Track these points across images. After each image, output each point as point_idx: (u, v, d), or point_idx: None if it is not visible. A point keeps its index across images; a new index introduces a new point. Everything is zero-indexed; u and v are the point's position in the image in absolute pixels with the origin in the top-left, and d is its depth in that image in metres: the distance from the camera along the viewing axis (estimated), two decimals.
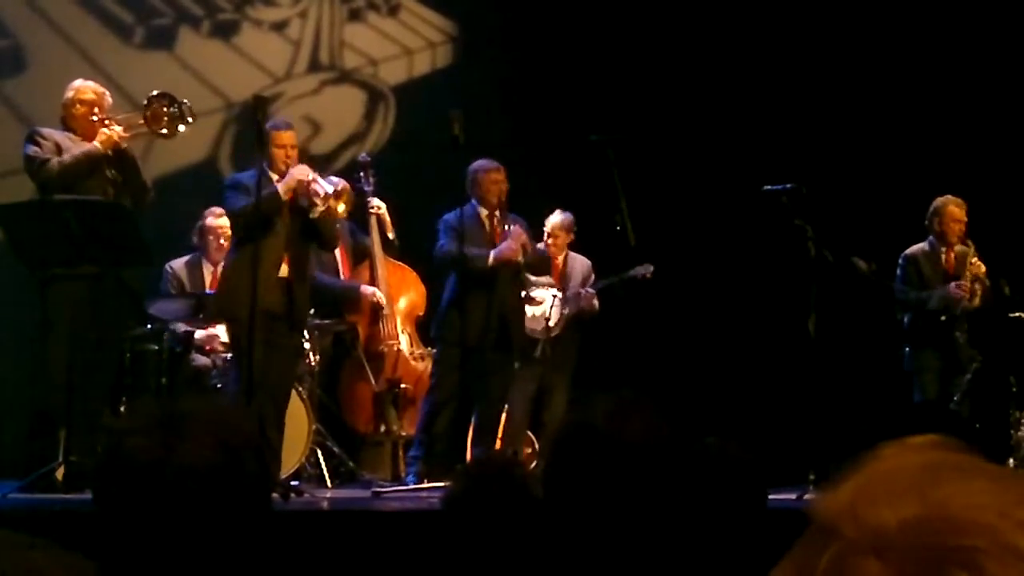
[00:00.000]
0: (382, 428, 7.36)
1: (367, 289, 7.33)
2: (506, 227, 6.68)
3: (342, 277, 7.47)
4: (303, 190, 5.88)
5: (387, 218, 7.39)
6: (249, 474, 1.41)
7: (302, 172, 5.92)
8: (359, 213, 7.44)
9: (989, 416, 6.83)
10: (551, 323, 7.17)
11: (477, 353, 6.51)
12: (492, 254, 6.57)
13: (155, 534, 1.36)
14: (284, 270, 5.95)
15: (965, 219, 7.07)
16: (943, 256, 7.11)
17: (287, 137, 6.05)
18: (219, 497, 1.37)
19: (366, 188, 7.42)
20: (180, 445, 1.38)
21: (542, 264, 6.99)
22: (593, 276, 7.47)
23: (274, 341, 5.88)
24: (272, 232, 5.84)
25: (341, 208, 6.05)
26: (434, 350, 6.93)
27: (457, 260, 6.46)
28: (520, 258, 6.68)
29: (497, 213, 6.72)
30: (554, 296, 7.24)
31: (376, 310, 7.41)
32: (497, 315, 6.56)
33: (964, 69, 8.56)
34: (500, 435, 7.33)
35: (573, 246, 7.52)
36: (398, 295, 7.45)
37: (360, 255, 7.52)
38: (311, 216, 5.93)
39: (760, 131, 8.54)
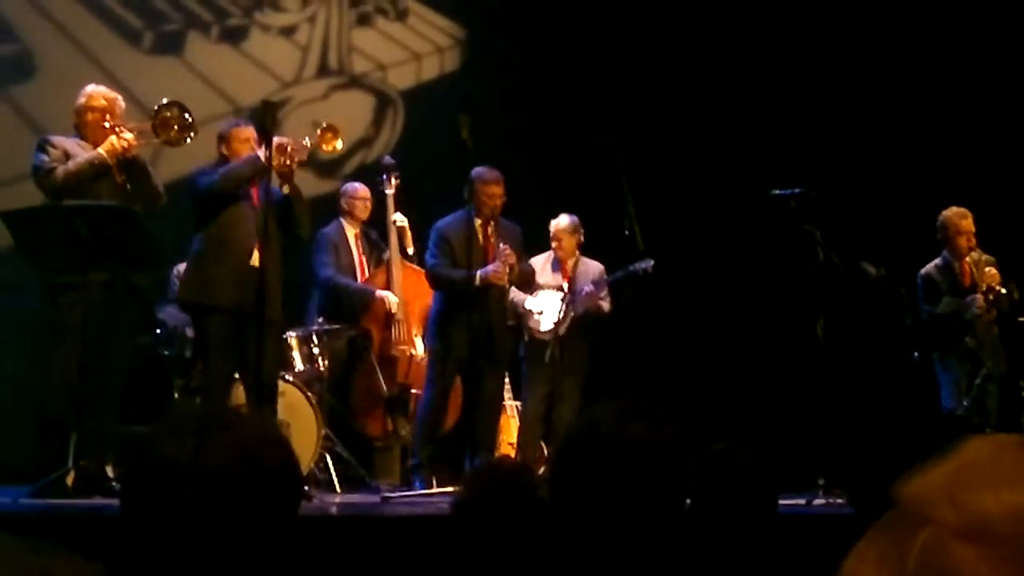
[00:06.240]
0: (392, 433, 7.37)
1: (381, 294, 7.33)
2: (499, 244, 6.58)
3: (358, 280, 7.48)
4: (283, 151, 5.86)
5: (408, 232, 7.42)
6: (276, 481, 1.41)
7: (281, 139, 5.95)
8: (379, 220, 7.47)
9: (1000, 421, 6.81)
10: (557, 323, 7.13)
11: (467, 365, 6.52)
12: (479, 275, 6.47)
13: (178, 536, 1.36)
14: (255, 259, 5.88)
15: (972, 228, 7.06)
16: (957, 269, 7.11)
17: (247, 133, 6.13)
18: (243, 502, 1.38)
19: (387, 191, 7.42)
20: (208, 449, 1.38)
21: (526, 280, 6.93)
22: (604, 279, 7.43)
23: (247, 337, 5.74)
24: (242, 223, 5.84)
25: (333, 146, 6.12)
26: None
27: (442, 282, 6.64)
28: (505, 281, 6.61)
29: (492, 224, 6.66)
30: (561, 298, 7.21)
31: (390, 315, 7.41)
32: (484, 328, 6.49)
33: (972, 76, 8.56)
34: (517, 438, 7.35)
35: (584, 250, 7.48)
36: (413, 300, 7.41)
37: (378, 261, 7.56)
38: (282, 191, 5.92)
39: (768, 135, 8.53)
